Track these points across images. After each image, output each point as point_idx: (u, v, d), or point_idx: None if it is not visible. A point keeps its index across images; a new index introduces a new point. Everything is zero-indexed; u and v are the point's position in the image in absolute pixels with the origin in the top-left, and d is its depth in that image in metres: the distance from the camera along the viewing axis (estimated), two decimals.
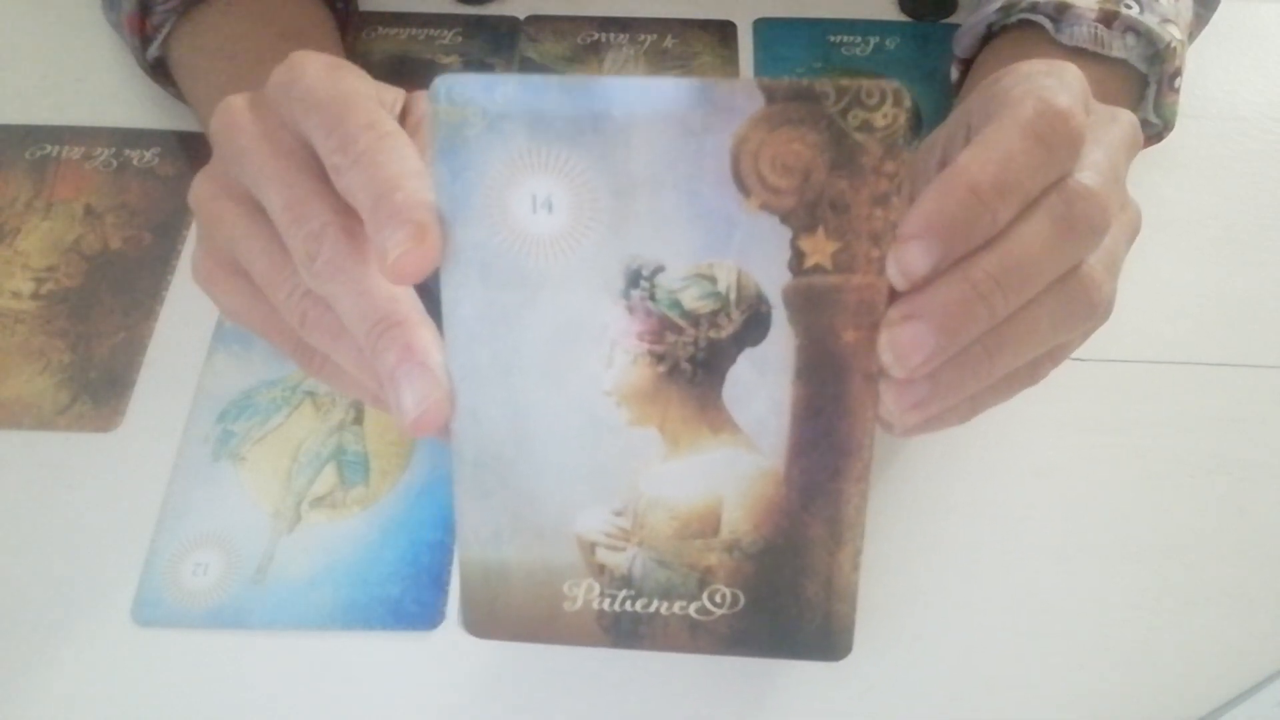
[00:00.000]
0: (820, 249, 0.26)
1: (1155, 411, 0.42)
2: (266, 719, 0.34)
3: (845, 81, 0.25)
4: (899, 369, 0.27)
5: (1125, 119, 0.32)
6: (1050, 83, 0.30)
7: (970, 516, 0.39)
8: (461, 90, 0.25)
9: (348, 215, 0.29)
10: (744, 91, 0.25)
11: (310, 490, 0.39)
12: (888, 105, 0.25)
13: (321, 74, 0.30)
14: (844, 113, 0.25)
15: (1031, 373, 0.32)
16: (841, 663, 0.31)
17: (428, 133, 0.26)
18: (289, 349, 0.32)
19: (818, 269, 0.26)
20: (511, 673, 0.35)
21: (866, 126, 0.25)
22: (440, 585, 0.37)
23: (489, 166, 0.26)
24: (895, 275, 0.26)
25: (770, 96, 0.25)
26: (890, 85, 0.25)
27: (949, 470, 0.40)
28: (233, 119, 0.31)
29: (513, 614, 0.31)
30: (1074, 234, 0.28)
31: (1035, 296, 0.28)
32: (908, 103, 0.25)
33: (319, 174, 0.29)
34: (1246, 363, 0.44)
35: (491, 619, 0.31)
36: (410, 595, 0.37)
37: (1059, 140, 0.28)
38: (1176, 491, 0.40)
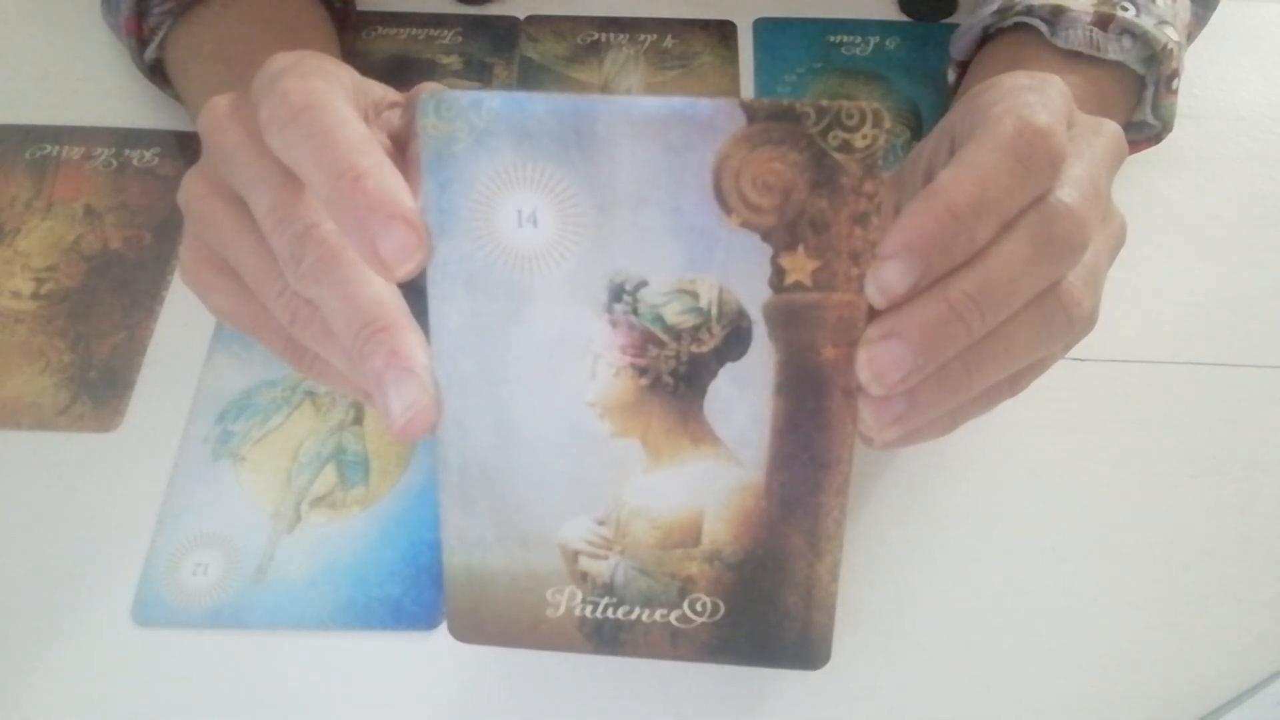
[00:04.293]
0: (801, 267, 0.26)
1: (1155, 411, 0.42)
2: (266, 719, 0.34)
3: (825, 102, 0.25)
4: (876, 387, 0.27)
5: (1109, 130, 0.32)
6: (1031, 99, 0.30)
7: (969, 518, 0.39)
8: (449, 106, 0.26)
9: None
10: (725, 110, 0.25)
11: (310, 490, 0.39)
12: (867, 126, 0.25)
13: (283, 59, 0.30)
14: (824, 133, 0.25)
15: (1011, 385, 0.32)
16: (823, 672, 0.32)
17: (417, 147, 0.27)
18: (279, 348, 0.32)
19: (798, 286, 0.27)
20: (511, 673, 0.35)
21: (846, 147, 0.25)
22: (440, 585, 0.37)
23: (476, 181, 0.26)
24: (874, 294, 0.27)
25: (751, 116, 0.25)
26: (870, 106, 0.25)
27: (948, 471, 0.40)
28: (217, 120, 0.31)
29: (497, 619, 0.31)
30: (1053, 253, 0.28)
31: (1014, 313, 0.29)
32: (887, 124, 0.25)
33: None
34: (1246, 363, 0.44)
35: (476, 624, 0.32)
36: (410, 595, 0.37)
37: (1038, 159, 0.28)
38: (1176, 491, 0.40)
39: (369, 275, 0.28)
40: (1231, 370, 0.43)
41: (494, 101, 0.25)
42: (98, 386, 0.42)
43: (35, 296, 0.44)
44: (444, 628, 0.36)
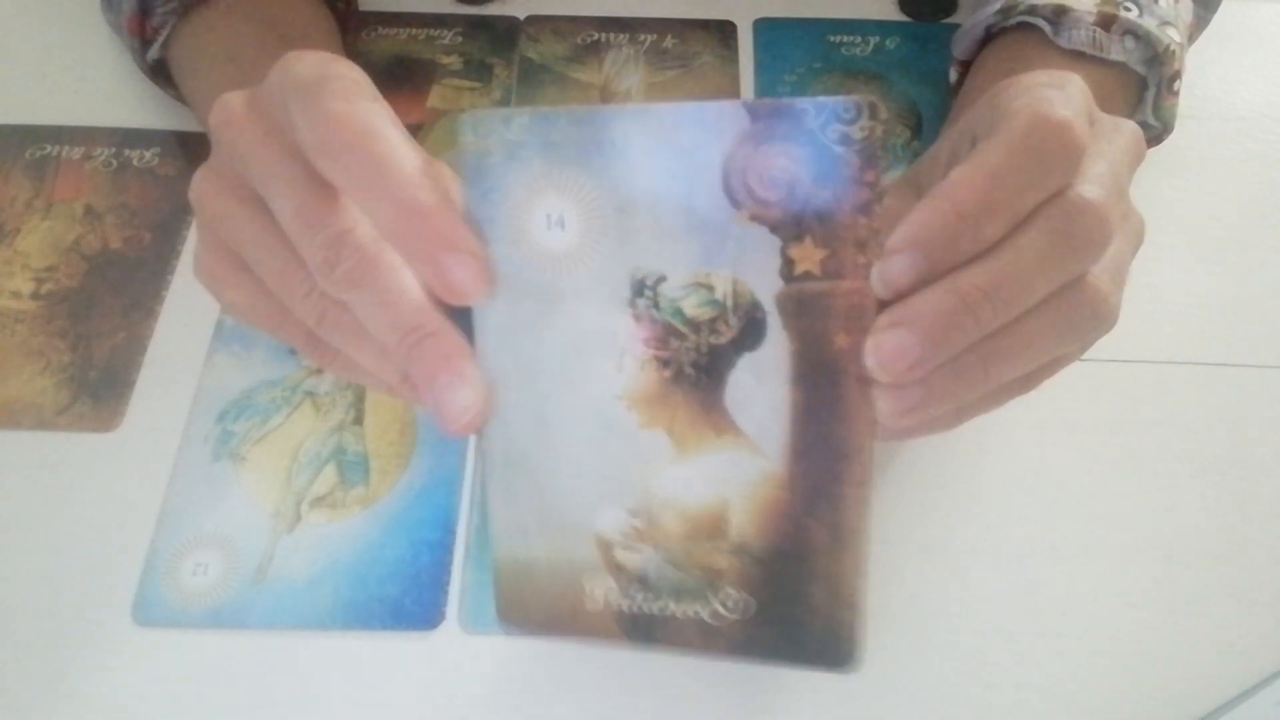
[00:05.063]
0: (809, 256, 0.27)
1: (1155, 411, 0.42)
2: (266, 719, 0.34)
3: (822, 98, 0.26)
4: (882, 374, 0.27)
5: (1129, 129, 0.32)
6: (1050, 94, 0.30)
7: (969, 517, 0.39)
8: (485, 123, 0.28)
9: (361, 218, 0.29)
10: (730, 112, 0.27)
11: (310, 490, 0.39)
12: (864, 118, 0.26)
13: (308, 64, 0.30)
14: (823, 127, 0.26)
15: (1024, 382, 0.32)
16: (853, 672, 0.31)
17: (458, 162, 0.28)
18: (300, 343, 0.32)
19: (808, 276, 0.27)
20: (511, 673, 0.35)
21: (845, 139, 0.26)
22: (440, 585, 0.37)
23: (510, 190, 0.28)
24: (879, 286, 0.27)
25: (754, 115, 0.27)
26: (866, 99, 0.26)
27: (948, 471, 0.40)
28: (231, 116, 0.31)
29: (540, 607, 0.32)
30: (1072, 248, 0.28)
31: (1036, 307, 0.28)
32: (883, 115, 0.26)
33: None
34: (1246, 363, 0.44)
35: (522, 611, 0.32)
36: (410, 595, 0.37)
37: (1055, 154, 0.28)
38: (1176, 491, 0.40)
39: (408, 279, 0.28)
40: (1231, 370, 0.43)
41: (523, 117, 0.28)
42: (98, 386, 0.41)
43: (35, 296, 0.44)
44: (444, 628, 0.36)
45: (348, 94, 0.29)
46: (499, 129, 0.28)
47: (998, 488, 0.40)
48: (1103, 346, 0.38)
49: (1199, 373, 0.43)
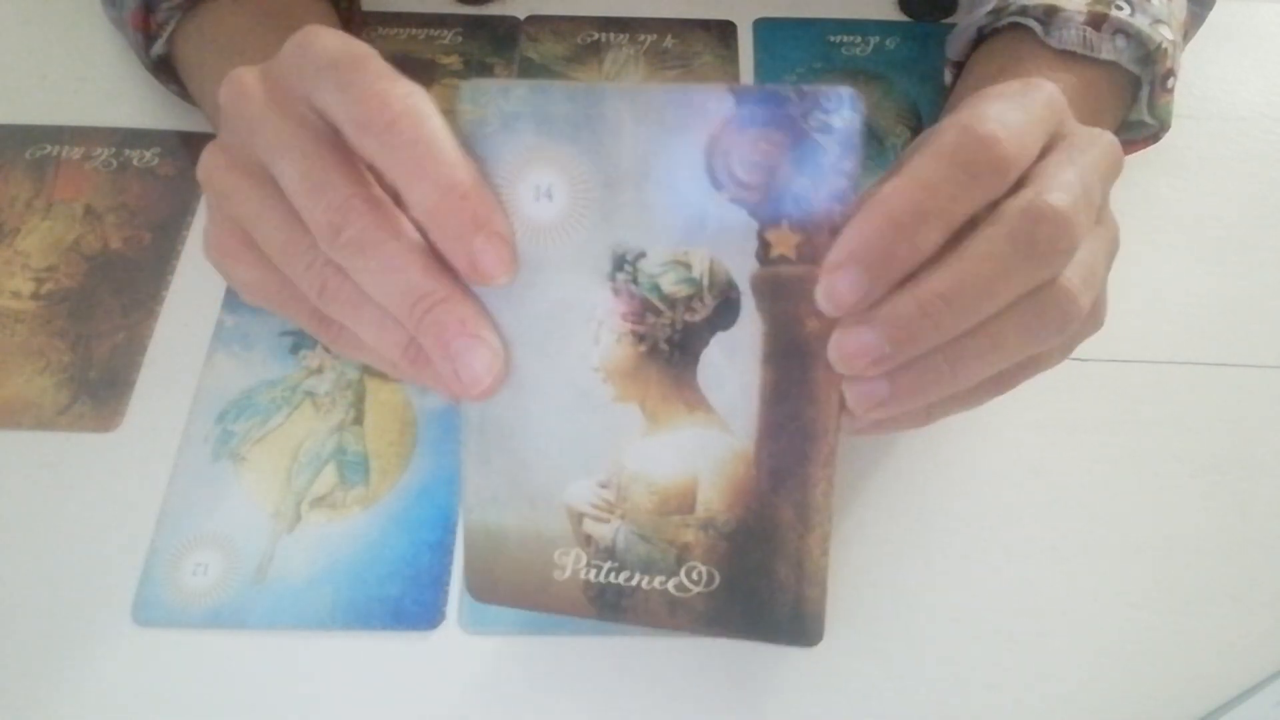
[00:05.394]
0: (785, 241, 0.28)
1: (1155, 411, 0.42)
2: (266, 719, 0.34)
3: (805, 87, 0.27)
4: (843, 368, 0.28)
5: (1105, 141, 0.32)
6: (988, 108, 0.29)
7: (969, 518, 0.39)
8: (483, 93, 0.28)
9: (369, 185, 0.29)
10: (716, 96, 0.27)
11: (310, 490, 0.39)
12: (845, 110, 0.27)
13: (334, 40, 0.30)
14: (805, 116, 0.27)
15: (998, 383, 0.31)
16: (817, 654, 0.31)
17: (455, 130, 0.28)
18: (305, 320, 0.32)
19: (783, 259, 0.28)
20: (511, 673, 0.35)
21: (825, 128, 0.27)
22: (440, 585, 0.37)
23: (502, 158, 0.29)
24: (825, 304, 0.27)
25: (739, 100, 0.27)
26: (846, 91, 0.27)
27: (948, 471, 0.40)
28: (242, 89, 0.31)
29: (509, 579, 0.33)
30: (1034, 254, 0.28)
31: (1004, 310, 0.28)
32: (862, 107, 0.27)
33: (335, 143, 0.29)
34: (1246, 363, 0.44)
35: (491, 583, 0.33)
36: (410, 595, 0.37)
37: (981, 165, 0.28)
38: (1176, 491, 0.40)
39: (416, 245, 0.28)
40: (1231, 370, 0.43)
41: (520, 89, 0.28)
42: (98, 386, 0.41)
43: (35, 296, 0.44)
44: (444, 628, 0.36)
45: (388, 73, 0.29)
46: (497, 99, 0.28)
47: (997, 487, 0.40)
48: (1102, 346, 0.38)
49: (1199, 373, 0.43)
